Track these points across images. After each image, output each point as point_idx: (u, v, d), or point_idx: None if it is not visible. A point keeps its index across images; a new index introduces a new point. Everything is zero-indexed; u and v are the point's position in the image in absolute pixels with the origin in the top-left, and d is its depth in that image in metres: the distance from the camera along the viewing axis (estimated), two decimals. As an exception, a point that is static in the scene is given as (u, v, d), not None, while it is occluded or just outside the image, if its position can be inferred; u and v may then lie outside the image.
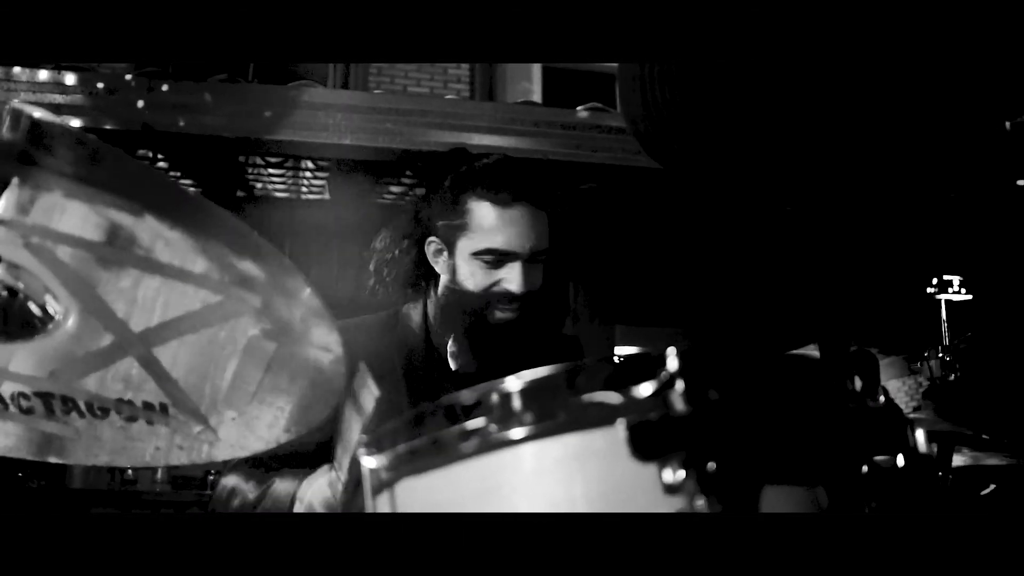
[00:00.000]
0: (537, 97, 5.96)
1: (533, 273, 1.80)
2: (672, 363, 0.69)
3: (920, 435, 0.82)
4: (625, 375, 0.70)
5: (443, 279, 1.85)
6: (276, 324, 0.96)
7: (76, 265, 0.89)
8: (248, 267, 0.96)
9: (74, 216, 0.90)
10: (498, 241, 1.77)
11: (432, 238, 1.86)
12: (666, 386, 0.69)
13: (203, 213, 0.94)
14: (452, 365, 1.82)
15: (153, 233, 0.94)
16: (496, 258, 1.77)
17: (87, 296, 0.91)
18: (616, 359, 0.72)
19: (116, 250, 0.94)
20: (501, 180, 1.80)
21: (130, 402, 1.01)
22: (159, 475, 6.10)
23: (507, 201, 1.78)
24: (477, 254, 1.78)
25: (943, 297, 3.24)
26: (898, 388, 11.52)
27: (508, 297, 1.77)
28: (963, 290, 3.30)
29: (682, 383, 0.69)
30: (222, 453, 1.05)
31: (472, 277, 1.79)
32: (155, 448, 1.04)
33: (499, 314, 1.77)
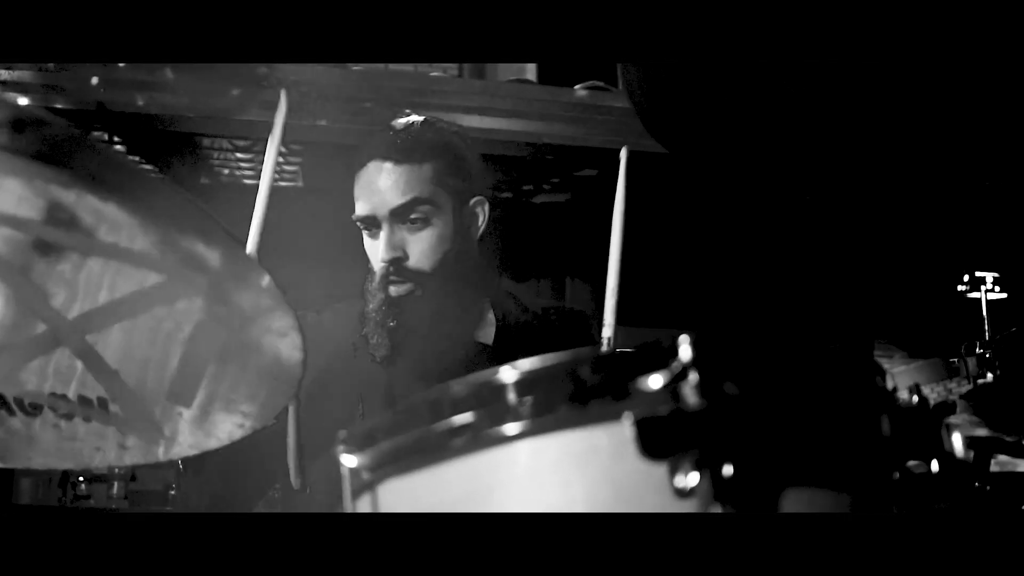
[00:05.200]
0: (532, 75, 5.94)
1: (407, 238, 1.81)
2: (685, 352, 0.68)
3: (957, 439, 0.81)
4: (633, 365, 0.69)
5: None
6: (227, 309, 0.94)
7: (5, 248, 0.88)
8: (196, 247, 0.94)
9: (10, 194, 0.89)
10: (357, 208, 1.83)
11: None
12: (678, 378, 0.68)
13: (149, 188, 0.92)
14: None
15: (95, 212, 0.92)
16: (365, 228, 1.83)
17: (16, 281, 0.89)
18: (623, 348, 0.71)
19: (55, 231, 0.92)
20: (363, 147, 1.86)
21: (64, 396, 0.99)
22: (115, 490, 6.06)
23: (361, 165, 1.83)
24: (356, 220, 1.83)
25: (975, 295, 3.23)
26: (928, 392, 11.57)
27: (383, 271, 1.79)
28: (997, 287, 3.29)
29: (696, 375, 0.68)
30: (170, 453, 1.04)
31: (367, 252, 1.85)
32: (95, 448, 1.01)
33: (392, 289, 1.79)
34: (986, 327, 1.54)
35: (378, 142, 1.84)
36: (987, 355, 1.64)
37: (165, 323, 0.95)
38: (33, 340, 0.93)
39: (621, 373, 0.69)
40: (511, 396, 0.71)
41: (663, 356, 0.68)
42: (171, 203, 0.90)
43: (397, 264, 1.78)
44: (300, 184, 6.00)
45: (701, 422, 0.66)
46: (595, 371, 0.69)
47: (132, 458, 1.00)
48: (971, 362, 1.62)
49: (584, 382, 0.69)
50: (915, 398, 0.82)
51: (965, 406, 1.63)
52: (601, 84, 4.95)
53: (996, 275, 3.51)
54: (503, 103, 4.76)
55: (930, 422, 0.82)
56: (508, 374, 0.72)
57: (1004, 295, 3.40)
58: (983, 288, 3.41)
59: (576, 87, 5.00)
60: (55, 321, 0.93)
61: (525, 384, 0.71)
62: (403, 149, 1.82)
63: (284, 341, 0.95)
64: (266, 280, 0.94)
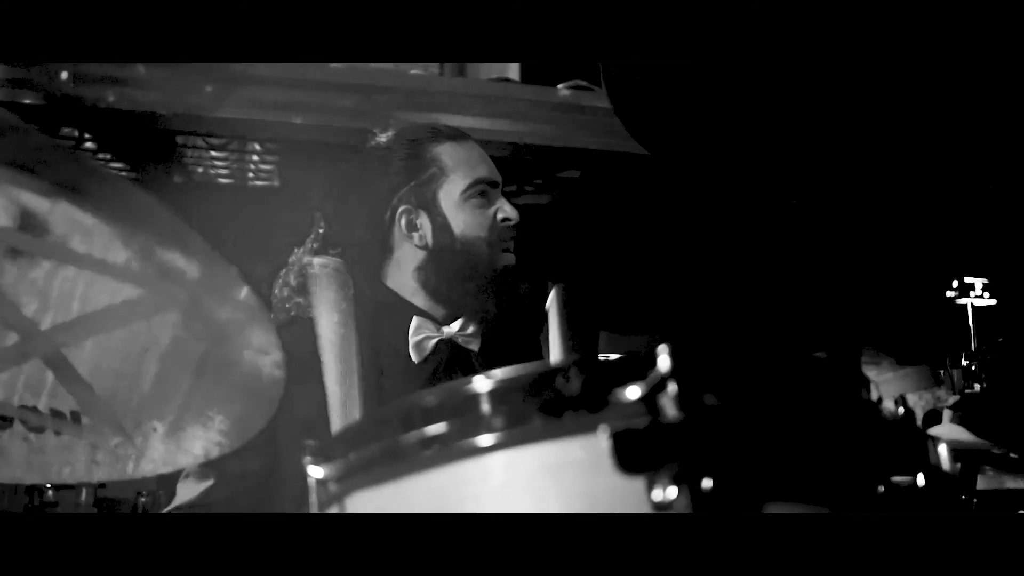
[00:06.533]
0: (514, 74, 5.94)
1: None
2: (663, 363, 0.67)
3: (943, 451, 0.80)
4: (610, 376, 0.68)
5: (425, 248, 1.84)
6: (206, 324, 0.93)
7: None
8: (174, 259, 0.93)
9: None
10: (483, 170, 1.84)
11: (404, 207, 1.84)
12: (656, 389, 0.67)
13: (126, 198, 0.90)
14: (413, 355, 1.80)
15: (69, 220, 0.91)
16: (486, 190, 1.83)
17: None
18: (600, 358, 0.70)
19: (27, 237, 0.91)
20: (445, 127, 1.93)
21: (35, 409, 0.97)
22: (83, 497, 6.02)
23: (464, 139, 1.89)
24: (467, 192, 1.82)
25: (964, 301, 3.23)
26: (914, 403, 11.64)
27: (510, 232, 1.84)
28: (987, 294, 3.29)
29: (674, 385, 0.67)
30: (145, 469, 1.02)
31: (473, 221, 1.82)
32: (64, 463, 1.00)
33: (505, 258, 1.84)
34: (972, 337, 1.54)
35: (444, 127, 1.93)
36: (972, 367, 1.64)
37: (140, 336, 0.94)
38: (3, 351, 0.92)
39: (597, 384, 0.68)
40: (484, 406, 0.70)
41: (641, 366, 0.67)
42: (149, 214, 0.89)
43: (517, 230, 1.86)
44: (276, 184, 5.98)
45: (680, 435, 0.65)
46: (570, 381, 0.68)
47: (102, 473, 0.99)
48: (956, 374, 1.62)
49: (559, 393, 0.68)
50: (900, 409, 0.82)
51: (952, 416, 1.63)
52: (584, 83, 4.94)
53: (985, 281, 3.51)
54: (484, 102, 4.76)
55: (916, 434, 0.81)
56: (481, 383, 0.71)
57: (994, 301, 3.41)
58: (972, 294, 3.41)
59: (559, 86, 5.00)
60: (27, 331, 0.92)
61: (499, 394, 0.70)
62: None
63: (263, 359, 0.94)
64: (244, 293, 0.93)
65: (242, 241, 5.90)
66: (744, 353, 0.73)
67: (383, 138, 1.90)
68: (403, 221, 1.84)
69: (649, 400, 0.66)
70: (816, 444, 0.74)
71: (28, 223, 0.90)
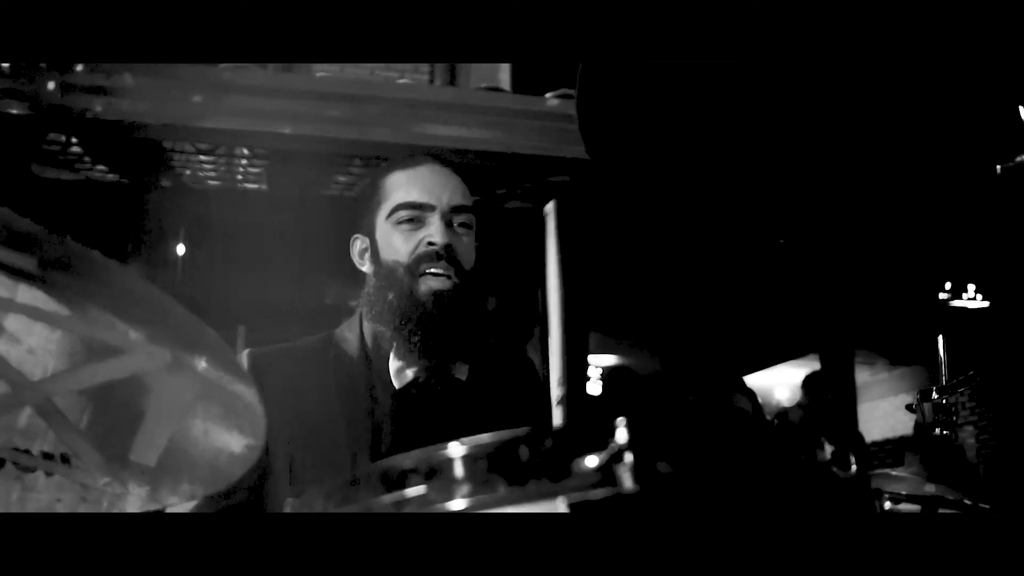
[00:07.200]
0: (504, 83, 5.96)
1: (458, 236, 1.81)
2: (621, 435, 0.72)
3: (888, 506, 0.85)
4: (570, 445, 0.73)
5: (369, 272, 1.86)
6: (188, 375, 0.97)
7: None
8: (151, 327, 0.97)
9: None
10: (411, 195, 1.81)
11: (355, 235, 1.89)
12: (614, 459, 0.72)
13: (97, 275, 0.94)
14: (395, 382, 1.80)
15: (66, 297, 0.95)
16: (412, 214, 1.80)
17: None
18: (560, 426, 0.75)
19: (23, 307, 0.94)
20: (413, 157, 1.90)
21: (27, 451, 1.02)
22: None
23: (415, 163, 1.86)
24: (392, 216, 1.81)
25: (957, 304, 3.27)
26: (907, 403, 11.59)
27: (434, 254, 1.76)
28: (979, 296, 3.32)
29: (631, 456, 0.72)
30: (132, 506, 1.07)
31: (392, 244, 1.80)
32: (56, 500, 1.05)
33: (430, 283, 1.76)
34: (943, 370, 1.56)
35: (425, 152, 1.92)
36: (944, 400, 1.66)
37: (127, 388, 0.99)
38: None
39: (559, 453, 0.73)
40: (457, 471, 0.75)
41: (602, 436, 0.72)
42: (119, 287, 0.93)
43: (449, 250, 1.77)
44: (264, 187, 6.02)
45: (635, 505, 0.70)
46: (533, 450, 0.73)
47: (91, 509, 1.04)
48: (927, 408, 1.64)
49: (522, 461, 0.73)
50: (853, 467, 0.86)
51: (912, 459, 1.66)
52: (573, 92, 4.95)
53: (976, 284, 3.54)
54: (474, 112, 4.78)
55: (867, 491, 0.86)
56: (456, 448, 0.76)
57: (987, 304, 3.43)
58: (965, 296, 3.42)
59: (547, 95, 5.03)
60: (18, 382, 0.96)
61: (470, 460, 0.75)
62: (453, 164, 1.91)
63: (245, 404, 0.98)
64: (212, 338, 0.97)
65: (230, 243, 5.90)
66: (698, 419, 0.78)
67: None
68: (353, 249, 1.90)
69: (607, 470, 0.71)
70: (765, 505, 0.79)
71: (22, 297, 0.94)
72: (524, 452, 0.73)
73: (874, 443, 10.72)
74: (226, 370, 0.95)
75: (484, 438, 0.76)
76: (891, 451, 10.37)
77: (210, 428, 0.99)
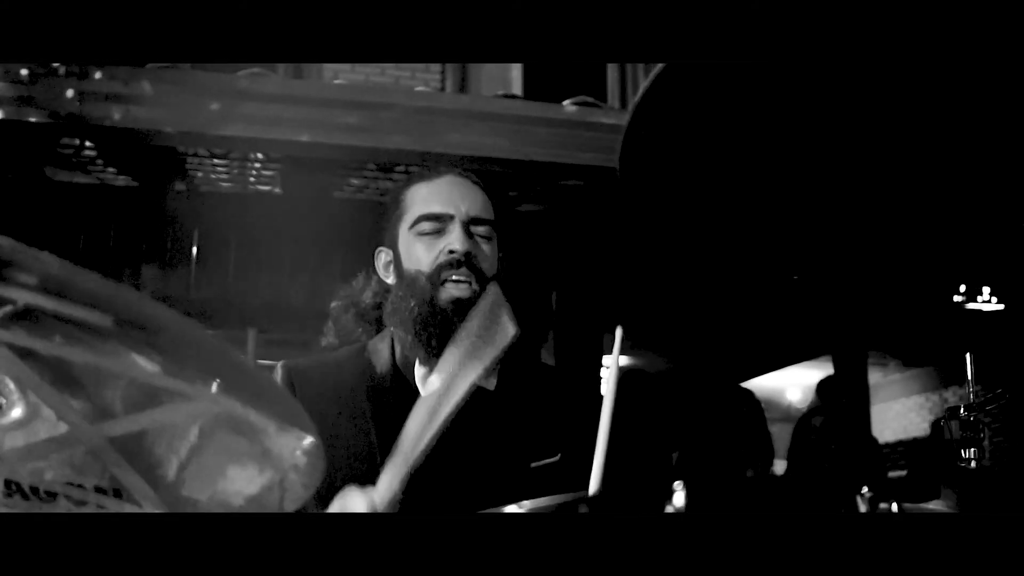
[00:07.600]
0: (518, 89, 5.97)
1: (479, 243, 1.85)
2: (679, 499, 0.74)
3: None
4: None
5: (393, 283, 1.91)
6: (246, 423, 1.00)
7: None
8: (224, 379, 1.00)
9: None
10: (432, 206, 1.86)
11: (380, 248, 1.94)
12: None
13: (170, 330, 0.97)
14: (421, 390, 1.82)
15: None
16: (433, 225, 1.84)
17: (40, 387, 0.95)
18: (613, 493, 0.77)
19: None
20: (435, 169, 1.95)
21: (80, 486, 1.05)
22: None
23: (437, 175, 1.92)
24: (414, 227, 1.85)
25: (972, 306, 3.26)
26: (920, 405, 11.54)
27: (454, 262, 1.80)
28: (994, 299, 3.32)
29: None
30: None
31: (414, 255, 1.85)
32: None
33: (451, 290, 1.79)
34: (970, 387, 1.55)
35: (447, 164, 1.97)
36: (971, 418, 1.65)
37: (187, 431, 1.01)
38: (55, 439, 0.99)
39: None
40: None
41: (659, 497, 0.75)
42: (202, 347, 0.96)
43: (469, 258, 1.81)
44: (277, 190, 6.04)
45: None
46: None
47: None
48: (954, 425, 1.64)
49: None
50: (895, 506, 0.89)
51: (949, 494, 1.64)
52: (591, 100, 4.95)
53: (991, 286, 3.53)
54: (488, 120, 4.78)
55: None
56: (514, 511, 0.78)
57: (1002, 306, 3.43)
58: (979, 299, 3.42)
59: (565, 102, 5.02)
60: (76, 423, 0.99)
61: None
62: (477, 177, 1.95)
63: (303, 447, 1.01)
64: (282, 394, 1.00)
65: (245, 246, 5.91)
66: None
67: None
68: (378, 261, 1.95)
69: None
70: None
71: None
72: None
73: (887, 445, 10.69)
74: (290, 422, 0.98)
75: (542, 502, 0.78)
76: (902, 452, 10.35)
77: (265, 469, 1.02)
